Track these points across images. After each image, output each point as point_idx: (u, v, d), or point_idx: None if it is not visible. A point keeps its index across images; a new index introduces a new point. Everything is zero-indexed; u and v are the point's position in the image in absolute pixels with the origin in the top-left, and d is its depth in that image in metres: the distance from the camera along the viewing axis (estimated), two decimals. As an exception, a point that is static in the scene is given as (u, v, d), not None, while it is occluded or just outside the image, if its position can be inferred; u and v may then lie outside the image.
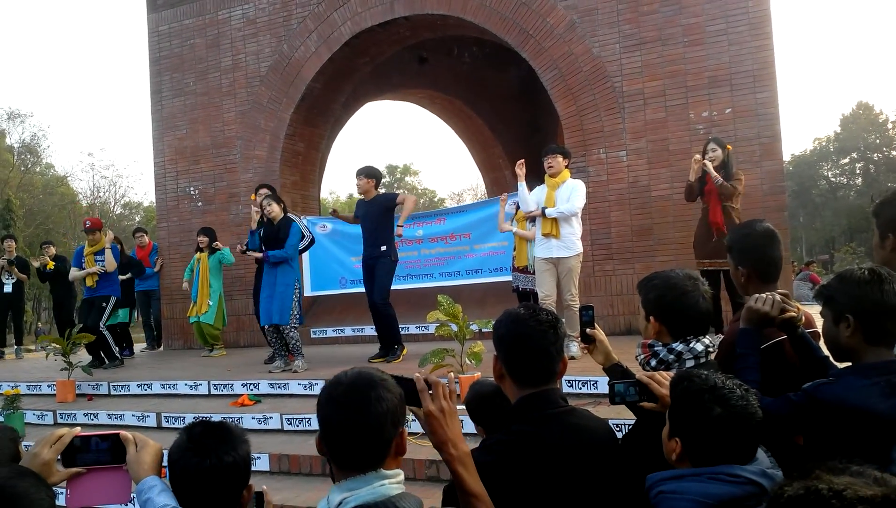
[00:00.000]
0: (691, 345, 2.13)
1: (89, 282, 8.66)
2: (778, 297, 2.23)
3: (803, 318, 2.27)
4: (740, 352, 2.24)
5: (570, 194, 6.44)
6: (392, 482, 1.53)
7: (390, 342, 7.41)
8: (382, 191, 8.32)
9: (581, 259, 6.62)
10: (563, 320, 6.54)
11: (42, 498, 1.33)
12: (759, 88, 7.91)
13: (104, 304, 8.69)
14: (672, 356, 2.15)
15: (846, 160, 54.06)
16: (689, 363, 2.10)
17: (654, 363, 2.19)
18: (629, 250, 8.39)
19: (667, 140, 8.23)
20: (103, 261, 8.60)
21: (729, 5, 8.02)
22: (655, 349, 2.20)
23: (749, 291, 2.47)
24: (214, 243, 9.33)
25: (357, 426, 1.52)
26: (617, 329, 8.25)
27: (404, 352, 7.41)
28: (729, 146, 6.94)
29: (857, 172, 53.89)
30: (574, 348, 6.48)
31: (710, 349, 2.16)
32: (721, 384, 1.74)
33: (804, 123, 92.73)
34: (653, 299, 2.24)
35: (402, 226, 7.36)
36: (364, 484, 1.50)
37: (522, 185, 6.60)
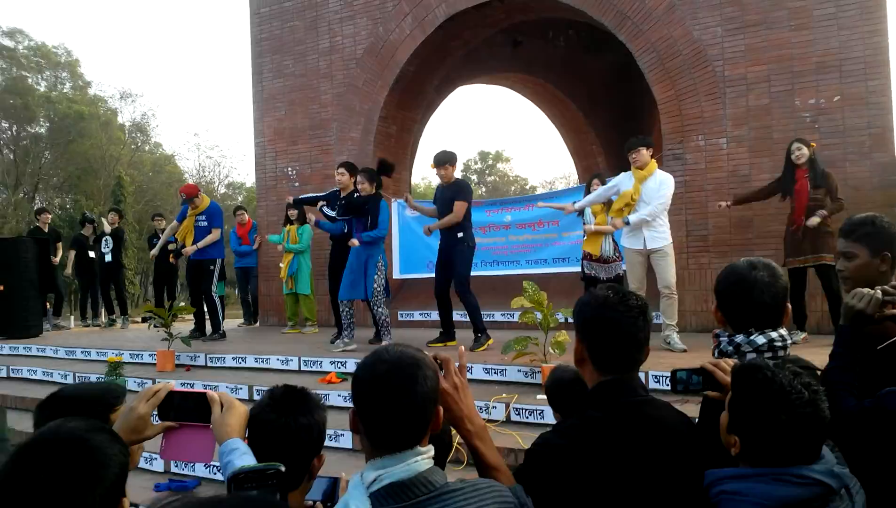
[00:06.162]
0: (752, 337, 2.01)
1: (188, 240, 8.76)
2: (879, 293, 2.09)
3: None
4: (834, 350, 2.13)
5: (658, 188, 6.42)
6: (424, 457, 1.51)
7: (475, 330, 7.28)
8: (463, 176, 8.29)
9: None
10: (661, 310, 6.42)
11: (115, 454, 1.36)
12: (871, 75, 7.47)
13: (211, 267, 8.85)
14: (731, 348, 2.05)
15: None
16: (750, 356, 1.99)
17: (716, 353, 2.10)
18: (727, 243, 8.09)
19: (770, 128, 7.89)
20: (204, 220, 8.73)
21: (840, -12, 7.59)
22: (720, 338, 2.11)
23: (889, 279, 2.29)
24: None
25: (401, 406, 1.49)
26: (711, 325, 7.99)
27: (490, 342, 7.20)
28: (813, 144, 6.80)
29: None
30: (675, 338, 6.37)
31: (778, 344, 2.00)
32: (788, 386, 1.60)
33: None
34: (715, 288, 2.16)
35: (430, 232, 7.42)
36: (399, 462, 1.48)
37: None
